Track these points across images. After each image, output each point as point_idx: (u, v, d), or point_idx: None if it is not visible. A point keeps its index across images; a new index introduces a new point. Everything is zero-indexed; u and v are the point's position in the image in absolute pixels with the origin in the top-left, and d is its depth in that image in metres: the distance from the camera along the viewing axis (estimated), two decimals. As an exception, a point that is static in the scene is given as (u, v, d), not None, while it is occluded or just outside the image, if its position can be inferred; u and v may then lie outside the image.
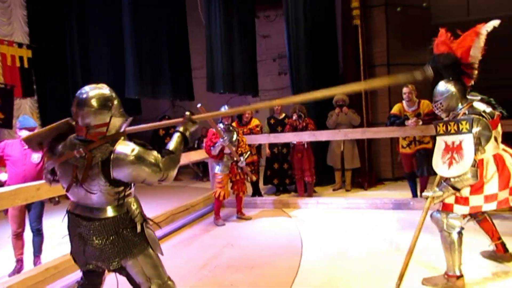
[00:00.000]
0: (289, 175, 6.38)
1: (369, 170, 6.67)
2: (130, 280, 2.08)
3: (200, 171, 9.00)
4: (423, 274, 2.99)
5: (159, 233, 4.61)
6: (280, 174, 6.44)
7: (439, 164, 2.85)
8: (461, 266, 2.76)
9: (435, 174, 5.70)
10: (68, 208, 2.07)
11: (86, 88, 1.99)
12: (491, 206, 2.75)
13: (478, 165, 2.70)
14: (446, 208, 2.81)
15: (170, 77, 7.60)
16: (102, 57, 7.95)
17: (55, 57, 8.14)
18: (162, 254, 2.14)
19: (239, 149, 4.98)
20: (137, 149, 1.90)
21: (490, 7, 8.37)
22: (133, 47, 7.13)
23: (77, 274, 3.51)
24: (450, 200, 2.79)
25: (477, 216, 3.11)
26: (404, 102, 5.27)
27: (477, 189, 2.71)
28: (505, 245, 3.17)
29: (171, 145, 2.09)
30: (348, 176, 6.50)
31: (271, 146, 6.36)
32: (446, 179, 2.79)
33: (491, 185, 2.71)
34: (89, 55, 8.09)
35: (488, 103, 2.86)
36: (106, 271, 2.17)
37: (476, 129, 2.65)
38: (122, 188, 1.97)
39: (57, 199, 7.28)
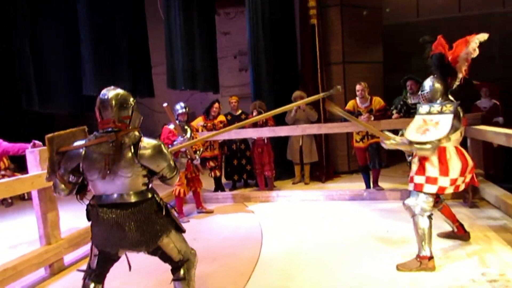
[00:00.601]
0: (248, 170, 6.55)
1: (327, 164, 6.96)
2: (163, 257, 2.35)
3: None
4: (397, 261, 3.21)
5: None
6: (239, 170, 6.59)
7: (412, 133, 3.16)
8: (431, 248, 3.05)
9: (386, 167, 6.08)
10: (92, 202, 2.23)
11: (105, 90, 2.27)
12: (451, 189, 3.16)
13: (441, 151, 3.08)
14: (417, 188, 3.14)
15: (129, 74, 7.48)
16: (56, 52, 7.68)
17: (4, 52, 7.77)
18: (184, 230, 2.43)
19: (193, 146, 5.06)
20: (160, 143, 2.22)
21: (439, 9, 8.93)
22: (90, 43, 6.96)
23: (37, 274, 3.53)
24: (421, 180, 3.12)
25: (439, 205, 3.46)
26: (357, 98, 5.57)
27: (444, 172, 3.06)
28: (463, 226, 3.57)
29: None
30: (306, 170, 6.75)
31: (230, 142, 6.47)
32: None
33: (455, 170, 3.07)
34: (41, 50, 7.77)
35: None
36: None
37: (456, 115, 3.00)
38: (148, 171, 2.21)
39: (10, 200, 7.03)
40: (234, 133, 5.89)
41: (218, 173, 6.25)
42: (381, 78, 7.57)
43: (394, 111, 5.38)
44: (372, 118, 5.21)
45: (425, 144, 3.01)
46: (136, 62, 7.66)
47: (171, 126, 4.98)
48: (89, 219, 2.29)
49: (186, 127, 5.05)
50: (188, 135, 4.98)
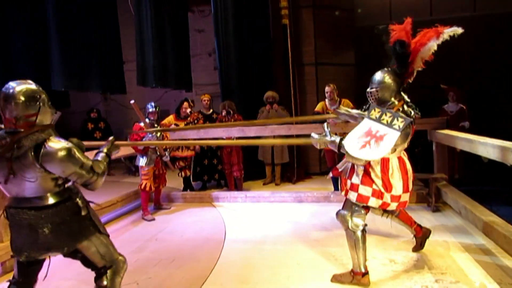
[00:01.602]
0: (219, 170, 6.47)
1: (298, 165, 6.96)
2: (85, 261, 2.21)
3: (133, 165, 8.78)
4: (333, 271, 3.11)
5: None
6: (209, 170, 6.50)
7: (352, 140, 2.69)
8: (365, 263, 2.88)
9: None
10: (7, 204, 2.10)
11: (12, 83, 2.04)
12: (393, 206, 2.88)
13: (385, 162, 2.77)
14: (361, 200, 2.82)
15: (99, 69, 7.29)
16: (23, 46, 7.42)
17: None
18: (108, 234, 2.28)
19: None
20: (67, 147, 2.01)
21: (411, 12, 9.03)
22: (58, 37, 6.74)
23: None
24: (367, 192, 2.80)
25: (395, 211, 3.25)
26: (326, 100, 5.58)
27: (387, 186, 2.78)
28: (420, 225, 3.39)
29: (98, 157, 2.26)
30: (277, 170, 6.73)
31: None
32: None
33: (398, 187, 2.81)
34: (7, 45, 7.50)
35: (409, 106, 2.84)
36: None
37: (403, 132, 2.62)
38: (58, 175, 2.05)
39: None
40: (203, 132, 5.82)
41: (188, 173, 6.17)
42: (353, 80, 7.62)
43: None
44: (340, 121, 5.21)
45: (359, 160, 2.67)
46: (107, 57, 7.46)
47: (142, 124, 5.03)
48: (7, 219, 2.14)
49: (156, 125, 5.14)
50: (159, 133, 4.99)
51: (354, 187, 2.87)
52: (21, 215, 2.03)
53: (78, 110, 10.27)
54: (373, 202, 2.82)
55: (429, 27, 2.79)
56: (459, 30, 2.71)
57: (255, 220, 4.77)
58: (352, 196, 2.87)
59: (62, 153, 1.98)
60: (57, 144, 2.00)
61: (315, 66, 7.23)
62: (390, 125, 2.64)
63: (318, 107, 5.59)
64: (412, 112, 2.80)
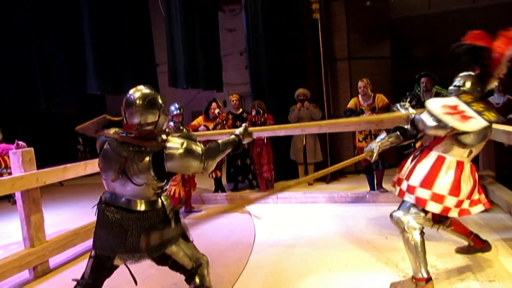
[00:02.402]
0: (252, 170, 6.37)
1: (332, 163, 6.71)
2: (175, 265, 2.25)
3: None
4: (391, 278, 2.90)
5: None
6: (243, 170, 6.41)
7: (435, 104, 2.61)
8: (427, 268, 2.63)
9: (390, 167, 5.78)
10: (103, 198, 2.15)
11: (133, 90, 2.12)
12: (455, 213, 2.66)
13: (458, 166, 2.63)
14: (419, 203, 2.66)
15: (132, 72, 7.44)
16: (61, 50, 7.69)
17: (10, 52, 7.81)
18: (192, 240, 2.31)
19: None
20: (185, 143, 2.05)
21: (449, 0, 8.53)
22: (93, 41, 6.92)
23: (21, 277, 3.45)
24: (426, 195, 2.63)
25: (446, 222, 3.06)
26: (359, 96, 5.32)
27: (455, 190, 2.61)
28: (479, 237, 3.14)
29: (221, 140, 2.29)
30: (310, 170, 6.53)
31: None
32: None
33: (465, 191, 2.63)
34: (47, 51, 7.80)
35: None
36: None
37: (483, 132, 2.54)
38: (165, 182, 2.12)
39: (15, 198, 7.05)
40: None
41: (219, 174, 6.11)
42: (389, 74, 7.27)
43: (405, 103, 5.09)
44: (375, 116, 4.95)
45: (438, 119, 2.50)
46: (140, 60, 7.61)
47: (171, 124, 5.00)
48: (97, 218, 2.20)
49: (181, 127, 5.06)
50: None
51: (410, 189, 2.71)
52: (114, 214, 2.06)
53: (116, 113, 10.54)
54: (432, 206, 2.63)
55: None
56: None
57: (286, 222, 4.62)
58: (409, 198, 2.72)
59: (181, 151, 2.03)
60: (173, 143, 2.05)
61: (348, 61, 6.96)
62: (480, 113, 2.50)
63: (351, 103, 5.34)
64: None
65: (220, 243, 4.04)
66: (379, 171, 5.24)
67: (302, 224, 4.46)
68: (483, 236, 3.42)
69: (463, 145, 2.60)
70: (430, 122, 2.57)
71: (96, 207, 2.19)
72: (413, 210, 2.69)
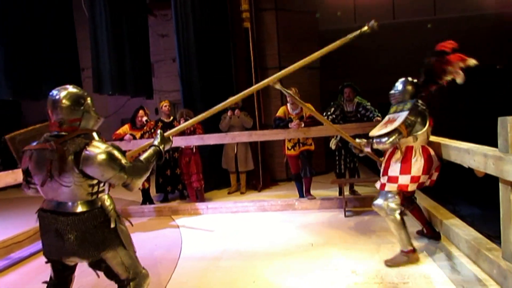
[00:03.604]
0: (181, 180, 6.17)
1: (263, 172, 6.75)
2: (108, 272, 2.19)
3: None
4: (383, 256, 3.31)
5: (23, 253, 4.12)
6: (173, 180, 6.19)
7: (375, 129, 3.34)
8: (410, 241, 3.17)
9: (317, 175, 5.91)
10: (41, 206, 2.12)
11: (58, 88, 2.09)
12: (414, 187, 3.27)
13: (408, 150, 3.22)
14: (381, 187, 3.30)
15: (54, 76, 6.88)
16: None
17: None
18: (135, 251, 2.25)
19: None
20: (107, 150, 1.99)
21: (375, 14, 9.07)
22: (4, 42, 6.30)
23: None
24: (384, 180, 3.29)
25: (409, 206, 3.60)
26: (288, 105, 5.40)
27: (405, 170, 3.19)
28: (432, 226, 3.70)
29: (143, 156, 2.23)
30: (242, 178, 6.50)
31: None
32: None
33: (418, 169, 3.18)
34: None
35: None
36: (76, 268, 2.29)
37: (418, 114, 3.11)
38: (96, 181, 2.05)
39: None
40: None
41: (146, 185, 5.83)
42: (317, 83, 7.50)
43: (327, 118, 5.25)
44: (303, 125, 5.04)
45: (381, 137, 3.15)
46: (62, 63, 7.05)
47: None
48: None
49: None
50: None
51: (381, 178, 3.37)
52: (50, 219, 2.05)
53: (32, 120, 9.73)
54: (389, 186, 3.24)
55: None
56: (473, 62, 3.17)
57: (215, 233, 4.50)
58: (377, 185, 3.40)
59: (102, 157, 1.97)
60: (96, 148, 1.99)
61: (279, 69, 6.98)
62: (401, 110, 3.21)
63: (280, 112, 5.40)
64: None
65: (143, 259, 3.77)
66: (307, 179, 5.34)
67: (231, 235, 4.37)
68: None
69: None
70: (382, 145, 3.18)
71: (36, 214, 2.14)
72: (389, 195, 3.22)
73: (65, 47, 7.16)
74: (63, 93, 2.06)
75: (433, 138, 3.48)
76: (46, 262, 2.20)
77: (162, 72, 9.26)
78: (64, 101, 2.03)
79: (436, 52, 3.31)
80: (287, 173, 7.17)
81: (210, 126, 6.04)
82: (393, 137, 3.10)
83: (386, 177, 3.29)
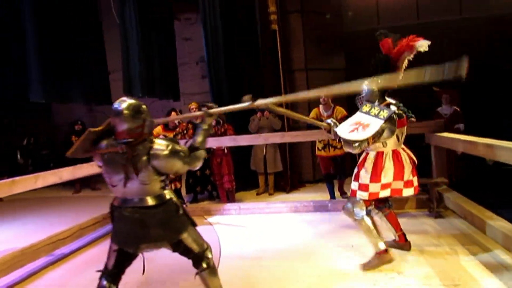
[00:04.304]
0: (212, 181, 6.22)
1: (291, 173, 6.76)
2: (185, 251, 2.48)
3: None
4: (428, 258, 3.31)
5: (66, 250, 4.21)
6: (202, 181, 6.25)
7: (344, 126, 3.12)
8: (383, 241, 3.14)
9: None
10: (116, 203, 2.37)
11: (118, 101, 2.35)
12: (386, 193, 3.22)
13: (378, 157, 3.14)
14: (352, 194, 3.27)
15: (82, 80, 7.02)
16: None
17: None
18: (196, 224, 2.56)
19: None
20: (170, 146, 2.29)
21: (398, 16, 9.04)
22: (36, 44, 6.45)
23: None
24: (355, 186, 3.25)
25: (385, 211, 3.48)
26: (320, 106, 5.42)
27: (375, 178, 3.13)
28: (405, 235, 3.53)
29: (197, 139, 2.51)
30: (271, 179, 6.53)
31: (192, 152, 6.15)
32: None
33: (388, 175, 3.14)
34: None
35: (399, 107, 3.19)
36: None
37: (388, 125, 2.97)
38: (164, 177, 2.36)
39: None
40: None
41: (178, 185, 5.90)
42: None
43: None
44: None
45: (351, 142, 2.99)
46: (91, 67, 7.20)
47: None
48: (112, 218, 2.41)
49: None
50: None
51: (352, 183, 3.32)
52: (133, 213, 2.30)
53: (62, 123, 9.94)
54: (360, 194, 3.20)
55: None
56: (425, 44, 3.06)
57: (251, 233, 4.53)
58: (349, 192, 3.37)
59: (166, 153, 2.27)
60: (161, 146, 2.29)
61: (306, 72, 7.09)
62: (376, 116, 3.00)
63: (312, 114, 5.42)
64: (396, 111, 3.06)
65: (176, 258, 3.83)
66: (341, 181, 5.36)
67: (268, 235, 4.39)
68: (443, 241, 3.60)
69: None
70: (348, 147, 3.03)
71: (109, 212, 2.42)
72: (356, 200, 3.22)
73: (94, 52, 7.29)
74: (124, 105, 2.31)
75: (477, 139, 3.43)
76: (114, 251, 2.42)
77: (187, 75, 9.32)
78: (126, 112, 2.28)
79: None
80: (314, 174, 7.18)
81: (241, 127, 6.11)
82: (362, 145, 2.98)
83: (357, 184, 3.24)
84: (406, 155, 3.23)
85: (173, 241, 2.41)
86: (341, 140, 3.08)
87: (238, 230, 4.70)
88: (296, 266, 3.42)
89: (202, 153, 2.47)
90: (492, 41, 8.34)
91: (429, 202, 4.67)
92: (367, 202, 3.22)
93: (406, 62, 3.18)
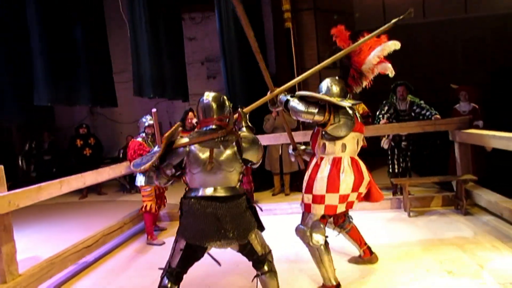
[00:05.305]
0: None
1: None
2: (249, 252, 2.44)
3: (127, 182, 8.28)
4: (473, 256, 3.19)
5: (88, 258, 4.05)
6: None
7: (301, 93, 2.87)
8: (335, 275, 2.85)
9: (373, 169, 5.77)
10: (193, 194, 2.33)
11: (206, 93, 2.52)
12: (343, 207, 2.83)
13: (335, 162, 2.78)
14: (307, 209, 2.86)
15: (88, 82, 6.85)
16: (2, 56, 6.84)
17: None
18: (264, 229, 2.57)
19: None
20: (255, 137, 2.50)
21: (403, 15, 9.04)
22: (41, 47, 6.27)
23: None
24: (308, 199, 2.82)
25: (346, 227, 3.22)
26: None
27: (333, 188, 2.74)
28: (370, 249, 3.32)
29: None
30: (286, 180, 6.44)
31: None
32: None
33: (346, 185, 2.76)
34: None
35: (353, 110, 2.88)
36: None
37: (345, 121, 2.70)
38: (243, 169, 2.43)
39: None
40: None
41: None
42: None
43: (382, 117, 5.24)
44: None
45: (300, 104, 2.71)
46: (96, 69, 7.02)
47: (139, 139, 4.71)
48: (181, 212, 2.39)
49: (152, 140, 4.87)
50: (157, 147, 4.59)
51: (302, 198, 2.91)
52: (207, 204, 2.27)
53: (63, 126, 9.69)
54: (315, 208, 2.79)
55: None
56: (397, 45, 2.89)
57: (279, 235, 4.40)
58: (301, 206, 2.94)
59: (256, 142, 2.47)
60: (248, 136, 2.47)
61: (319, 70, 6.99)
62: (340, 101, 2.71)
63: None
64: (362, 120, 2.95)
65: (219, 258, 3.69)
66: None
67: (295, 237, 4.28)
68: (482, 239, 3.59)
69: (334, 140, 2.78)
70: (300, 106, 2.72)
71: (182, 202, 2.40)
72: (314, 221, 2.82)
73: (98, 52, 7.13)
74: (214, 95, 2.48)
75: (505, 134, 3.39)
76: (181, 249, 2.34)
77: (191, 76, 9.15)
78: (217, 101, 2.44)
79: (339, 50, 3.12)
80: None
81: (255, 126, 5.98)
82: (310, 112, 2.66)
83: (310, 196, 2.80)
84: (363, 164, 2.91)
85: (242, 241, 2.35)
86: (289, 106, 2.80)
87: (266, 232, 4.58)
88: (338, 269, 3.31)
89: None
90: (498, 39, 8.40)
91: (457, 200, 4.63)
92: (323, 220, 2.84)
93: (382, 64, 2.92)
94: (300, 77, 3.34)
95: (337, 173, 2.74)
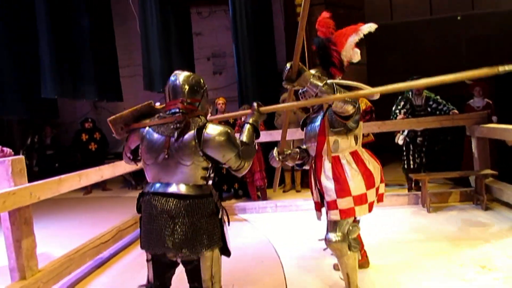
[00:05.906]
0: (238, 179, 6.01)
1: (318, 169, 6.61)
2: (193, 273, 2.00)
3: (132, 178, 8.13)
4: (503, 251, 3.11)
5: (104, 254, 3.94)
6: (228, 179, 6.04)
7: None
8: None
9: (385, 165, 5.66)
10: (147, 189, 1.99)
11: (178, 72, 2.10)
12: (364, 209, 2.51)
13: (335, 163, 2.52)
14: (346, 215, 2.46)
15: (94, 76, 6.75)
16: (10, 50, 6.70)
17: None
18: (229, 255, 2.11)
19: None
20: (226, 131, 1.94)
21: (411, 11, 9.03)
22: (49, 41, 6.17)
23: None
24: (348, 203, 2.44)
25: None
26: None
27: (371, 183, 2.52)
28: (366, 253, 3.18)
29: (245, 137, 2.11)
30: (298, 176, 6.37)
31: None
32: None
33: (377, 177, 2.57)
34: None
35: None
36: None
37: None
38: (210, 165, 1.98)
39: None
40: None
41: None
42: (365, 80, 7.38)
43: (399, 112, 5.20)
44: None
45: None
46: (102, 63, 6.92)
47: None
48: (139, 210, 2.05)
49: None
50: None
51: (330, 205, 2.50)
52: (163, 202, 1.90)
53: (66, 121, 9.54)
54: (360, 210, 2.48)
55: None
56: (373, 26, 2.71)
57: (299, 231, 4.34)
58: (333, 215, 2.48)
59: (222, 138, 1.92)
60: (216, 129, 1.94)
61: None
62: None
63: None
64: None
65: (242, 260, 3.59)
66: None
67: (315, 233, 4.20)
68: (509, 234, 3.56)
69: (345, 134, 2.54)
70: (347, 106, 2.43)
71: (139, 201, 2.05)
72: (346, 225, 2.50)
73: (104, 47, 7.03)
74: (185, 74, 2.07)
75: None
76: (148, 261, 2.03)
77: (197, 71, 9.02)
78: (187, 82, 2.03)
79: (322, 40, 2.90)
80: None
81: (266, 122, 5.93)
82: (353, 102, 2.39)
83: (350, 199, 2.47)
84: (369, 156, 2.68)
85: (192, 254, 1.90)
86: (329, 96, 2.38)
87: (281, 228, 4.52)
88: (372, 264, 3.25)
89: (253, 150, 2.08)
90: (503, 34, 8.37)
91: (477, 194, 4.59)
92: (355, 221, 2.60)
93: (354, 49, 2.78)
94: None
95: (366, 167, 2.52)
